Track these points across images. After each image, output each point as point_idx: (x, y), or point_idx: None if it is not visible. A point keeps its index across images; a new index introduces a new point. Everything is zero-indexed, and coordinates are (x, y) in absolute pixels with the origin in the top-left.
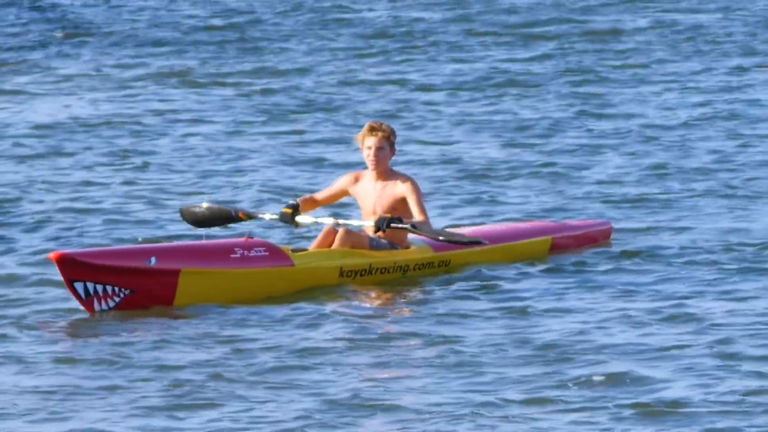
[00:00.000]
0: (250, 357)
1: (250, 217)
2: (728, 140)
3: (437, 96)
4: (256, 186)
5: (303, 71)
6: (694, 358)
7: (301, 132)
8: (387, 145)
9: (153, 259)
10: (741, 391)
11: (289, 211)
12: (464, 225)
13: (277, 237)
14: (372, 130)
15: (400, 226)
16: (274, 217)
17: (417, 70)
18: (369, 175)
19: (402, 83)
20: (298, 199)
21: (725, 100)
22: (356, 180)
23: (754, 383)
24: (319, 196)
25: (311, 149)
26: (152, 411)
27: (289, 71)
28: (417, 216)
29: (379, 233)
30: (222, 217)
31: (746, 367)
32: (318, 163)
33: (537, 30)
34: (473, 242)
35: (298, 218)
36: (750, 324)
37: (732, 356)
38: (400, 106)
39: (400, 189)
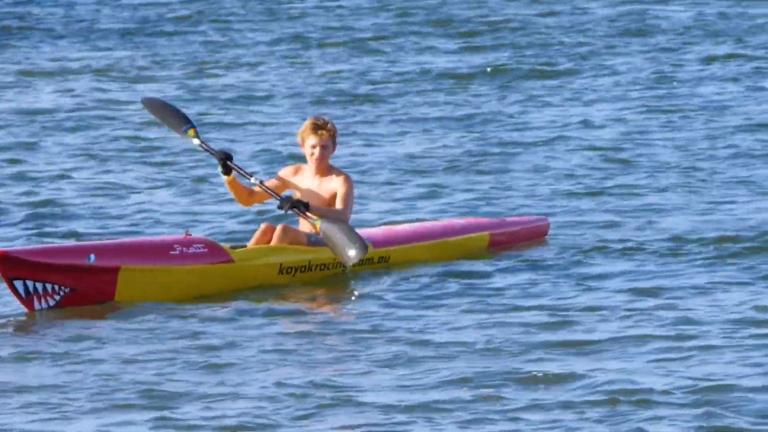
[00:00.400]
0: (196, 354)
1: (196, 137)
2: (672, 132)
3: (382, 90)
4: (209, 180)
5: (251, 63)
6: (642, 352)
7: (250, 123)
8: (331, 143)
9: (92, 257)
10: (691, 386)
11: (228, 154)
12: (402, 221)
13: (212, 233)
14: (317, 128)
15: (301, 211)
16: (213, 150)
17: (364, 62)
18: (309, 170)
19: (348, 76)
20: (247, 187)
21: (673, 92)
22: (296, 172)
23: (705, 375)
24: (258, 185)
25: (258, 141)
26: (100, 409)
27: (236, 63)
28: (336, 206)
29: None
30: (177, 118)
31: (698, 358)
32: (262, 153)
33: (485, 21)
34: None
35: (230, 164)
36: (697, 315)
37: (681, 349)
38: (344, 98)
39: (335, 184)
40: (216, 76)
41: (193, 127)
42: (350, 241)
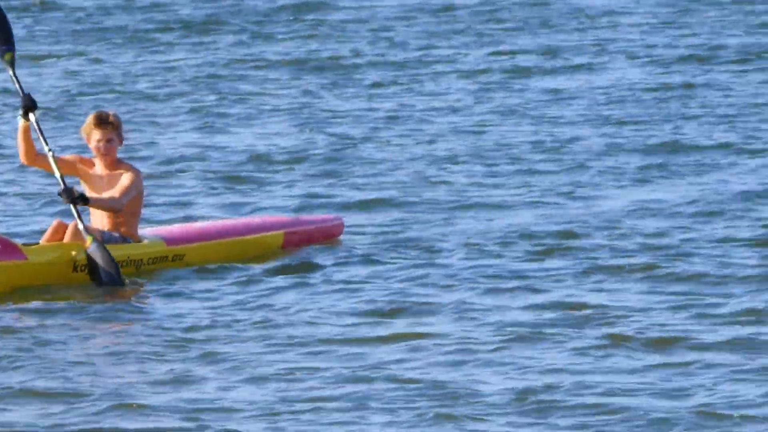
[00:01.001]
0: None
1: (12, 67)
2: (501, 127)
3: (199, 82)
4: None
5: (77, 52)
6: (442, 349)
7: (82, 114)
8: (116, 136)
9: None
10: (516, 385)
11: (34, 104)
12: (199, 219)
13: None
14: (100, 122)
15: (77, 209)
16: (22, 90)
17: (176, 54)
18: (97, 165)
19: (151, 70)
20: (40, 154)
21: (507, 83)
22: (84, 164)
23: (529, 373)
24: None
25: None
26: None
27: (75, 52)
28: (111, 194)
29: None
30: (3, 34)
31: (520, 355)
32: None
33: (324, 11)
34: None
35: (31, 115)
36: (508, 314)
37: (498, 345)
38: (162, 91)
39: (123, 178)
40: (42, 66)
41: (12, 51)
42: (106, 270)
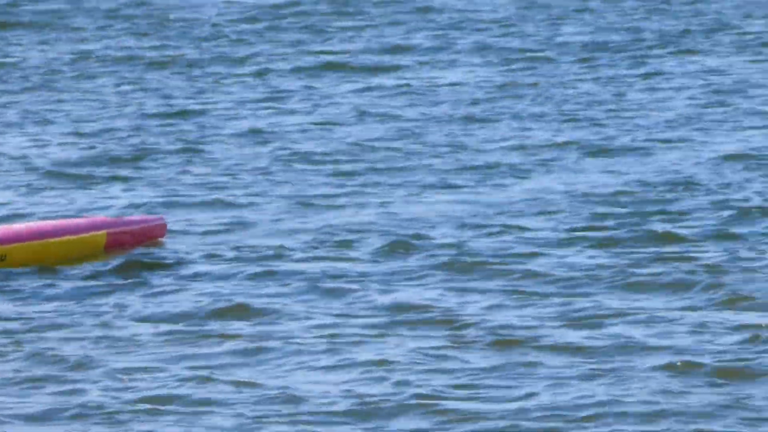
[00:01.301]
0: None
1: None
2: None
3: (30, 78)
4: None
5: None
6: (267, 354)
7: None
8: None
9: None
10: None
11: None
12: (20, 220)
13: None
14: None
15: None
16: None
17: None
18: None
19: None
20: None
21: (341, 83)
22: None
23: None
24: None
25: None
26: None
27: None
28: None
29: None
30: None
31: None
32: None
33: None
34: None
35: None
36: (342, 318)
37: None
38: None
39: None
40: None
41: None
42: None
